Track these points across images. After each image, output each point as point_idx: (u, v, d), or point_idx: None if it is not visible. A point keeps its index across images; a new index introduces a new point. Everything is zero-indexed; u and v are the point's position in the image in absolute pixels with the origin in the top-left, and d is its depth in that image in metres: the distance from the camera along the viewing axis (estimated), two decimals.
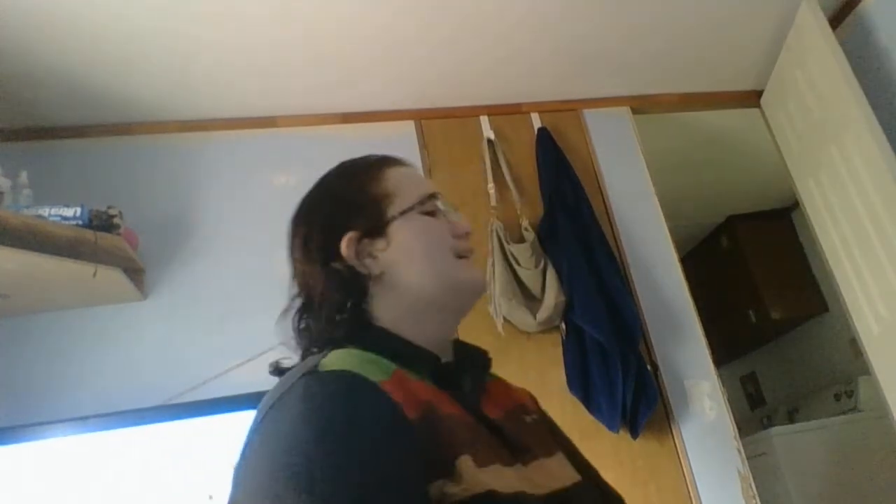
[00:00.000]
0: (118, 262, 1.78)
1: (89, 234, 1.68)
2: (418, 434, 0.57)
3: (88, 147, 2.10)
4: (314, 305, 0.74)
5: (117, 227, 1.77)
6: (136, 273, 1.89)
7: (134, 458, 1.39)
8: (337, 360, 0.63)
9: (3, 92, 1.92)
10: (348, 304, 0.72)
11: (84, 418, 1.44)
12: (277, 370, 0.72)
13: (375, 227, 0.76)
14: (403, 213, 0.76)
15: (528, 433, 0.74)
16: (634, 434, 1.92)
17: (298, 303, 0.77)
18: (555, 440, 0.80)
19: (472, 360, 0.79)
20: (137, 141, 2.15)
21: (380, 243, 0.75)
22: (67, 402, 1.75)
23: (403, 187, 0.79)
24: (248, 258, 2.04)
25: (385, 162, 0.83)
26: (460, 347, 0.80)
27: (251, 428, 0.60)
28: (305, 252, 0.78)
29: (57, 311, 1.87)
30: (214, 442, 1.43)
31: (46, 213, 1.66)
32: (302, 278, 0.78)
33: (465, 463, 0.57)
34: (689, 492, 1.94)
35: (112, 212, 1.77)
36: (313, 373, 0.60)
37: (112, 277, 1.77)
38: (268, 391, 0.64)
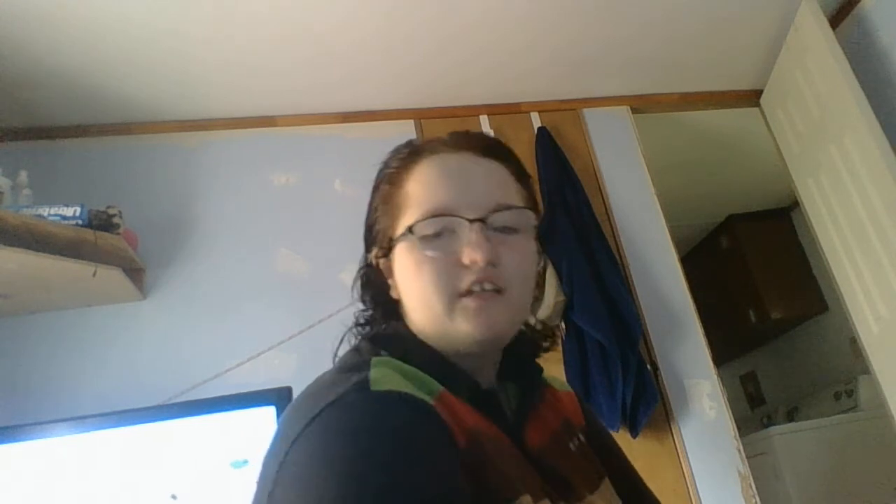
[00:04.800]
0: (118, 262, 1.78)
1: (89, 234, 1.68)
2: (463, 461, 0.52)
3: (88, 147, 2.11)
4: (361, 295, 0.72)
5: (117, 226, 1.77)
6: (136, 273, 1.89)
7: (133, 457, 1.39)
8: (384, 378, 0.56)
9: (3, 92, 1.92)
10: (380, 315, 0.69)
11: (84, 418, 1.43)
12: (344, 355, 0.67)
13: (388, 246, 0.68)
14: (403, 235, 0.65)
15: (571, 465, 0.67)
16: (634, 433, 1.92)
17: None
18: (601, 461, 0.74)
19: (520, 379, 0.71)
20: (137, 141, 2.15)
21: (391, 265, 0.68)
22: (67, 402, 1.76)
23: (420, 195, 0.66)
24: (247, 258, 2.05)
25: (421, 151, 0.69)
26: (510, 363, 0.71)
27: (287, 429, 0.54)
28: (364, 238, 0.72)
29: (57, 311, 1.87)
30: (214, 441, 1.44)
31: (46, 213, 1.66)
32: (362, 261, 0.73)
33: (526, 501, 0.53)
34: (689, 491, 1.94)
35: (112, 211, 1.77)
36: (363, 390, 0.54)
37: (112, 277, 1.77)
38: (308, 388, 0.59)
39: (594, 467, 0.71)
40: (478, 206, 0.64)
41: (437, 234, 0.64)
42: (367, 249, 0.72)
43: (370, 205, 0.72)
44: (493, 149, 0.71)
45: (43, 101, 2.00)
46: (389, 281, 0.68)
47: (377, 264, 0.69)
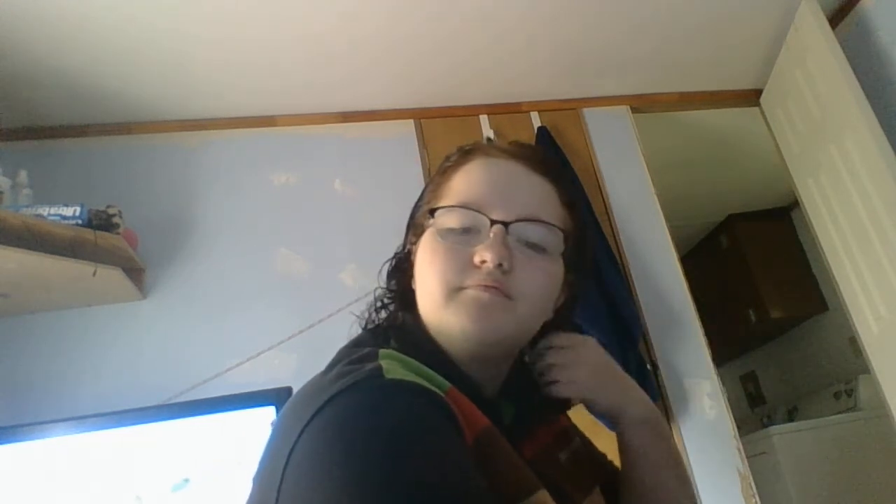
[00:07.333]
0: (118, 262, 1.78)
1: (89, 234, 1.68)
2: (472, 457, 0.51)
3: (88, 147, 2.11)
4: (387, 279, 0.72)
5: (117, 226, 1.77)
6: (136, 273, 1.89)
7: (133, 457, 1.39)
8: (394, 368, 0.54)
9: (3, 92, 1.92)
10: (396, 303, 0.69)
11: (84, 418, 1.44)
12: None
13: (420, 232, 0.68)
14: (426, 218, 0.66)
15: (562, 474, 0.66)
16: None
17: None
18: (592, 471, 0.73)
19: (520, 402, 0.69)
20: (137, 141, 2.15)
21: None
22: (67, 402, 1.76)
23: (458, 188, 0.67)
24: (247, 258, 2.05)
25: (477, 151, 0.70)
26: (515, 384, 0.69)
27: (292, 420, 0.52)
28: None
29: (57, 311, 1.87)
30: (214, 441, 1.44)
31: (46, 213, 1.66)
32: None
33: (544, 496, 0.53)
34: None
35: (111, 211, 1.77)
36: (378, 378, 0.52)
37: (112, 277, 1.77)
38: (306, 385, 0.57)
39: (587, 474, 0.70)
40: (506, 211, 0.63)
41: (464, 230, 0.63)
42: (406, 235, 0.72)
43: (421, 193, 0.73)
44: (548, 168, 0.70)
45: (43, 101, 2.00)
46: (414, 270, 0.68)
47: (411, 251, 0.69)
